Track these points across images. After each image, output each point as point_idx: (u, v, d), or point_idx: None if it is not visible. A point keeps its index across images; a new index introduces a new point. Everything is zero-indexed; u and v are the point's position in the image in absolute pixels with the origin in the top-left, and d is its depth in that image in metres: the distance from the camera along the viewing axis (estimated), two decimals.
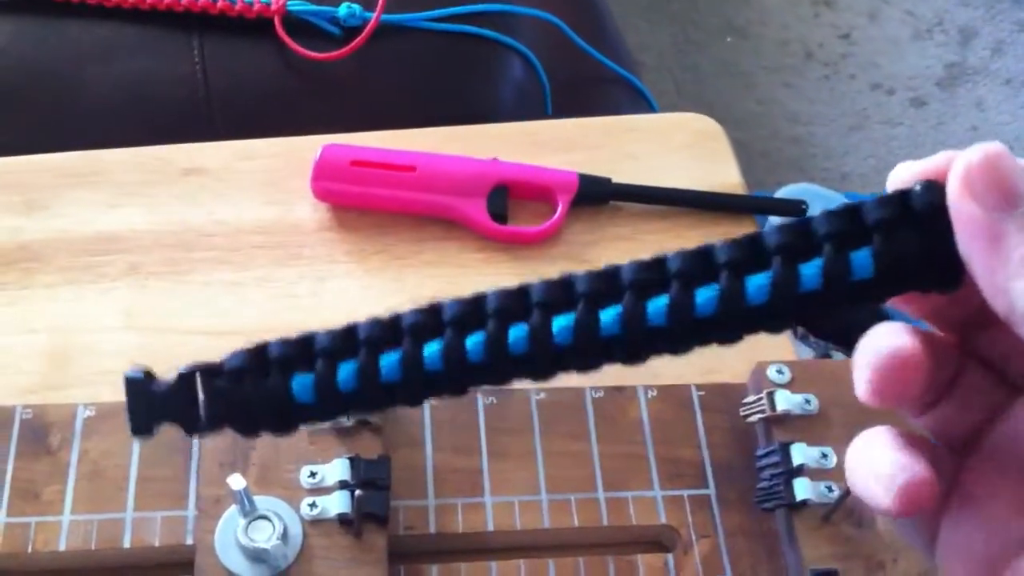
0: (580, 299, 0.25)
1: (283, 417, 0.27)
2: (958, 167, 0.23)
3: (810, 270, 0.24)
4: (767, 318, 0.25)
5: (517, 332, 0.26)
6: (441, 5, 0.70)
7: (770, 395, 0.46)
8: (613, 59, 0.81)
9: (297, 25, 0.67)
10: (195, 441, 0.45)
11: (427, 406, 0.47)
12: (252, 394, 0.27)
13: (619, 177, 0.57)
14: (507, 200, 0.56)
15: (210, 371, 0.27)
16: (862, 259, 0.24)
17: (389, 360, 0.26)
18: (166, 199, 0.56)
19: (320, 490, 0.43)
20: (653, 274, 0.25)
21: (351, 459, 0.43)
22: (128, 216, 0.55)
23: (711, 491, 0.47)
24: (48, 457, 0.45)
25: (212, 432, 0.28)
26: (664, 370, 0.51)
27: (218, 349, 0.50)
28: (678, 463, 0.47)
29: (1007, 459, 0.26)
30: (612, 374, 0.51)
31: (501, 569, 0.44)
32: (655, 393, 0.49)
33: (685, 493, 0.46)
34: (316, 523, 0.43)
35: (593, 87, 0.81)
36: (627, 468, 0.47)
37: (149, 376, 0.28)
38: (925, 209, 0.24)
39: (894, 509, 0.24)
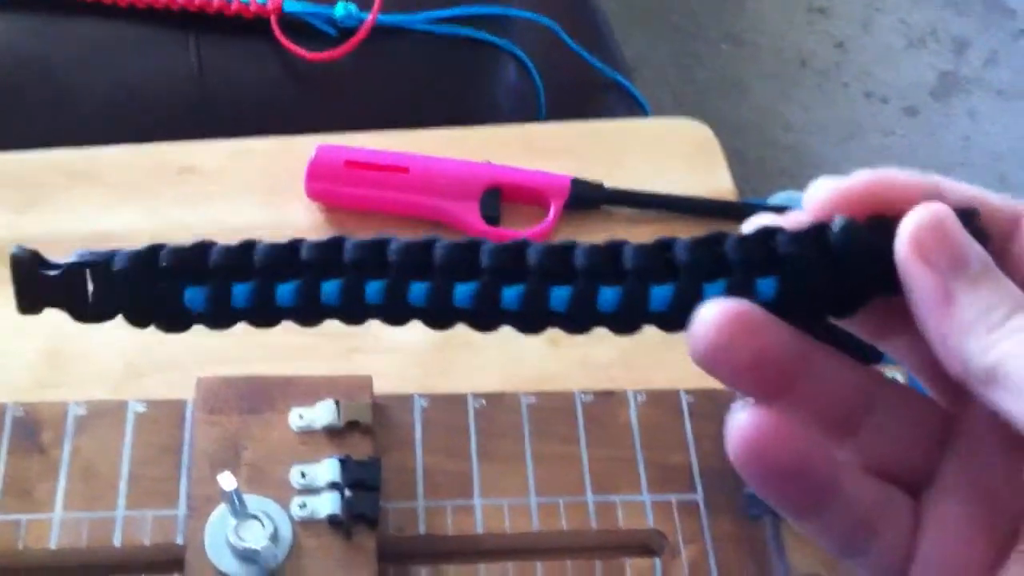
0: (485, 273, 0.26)
1: (173, 321, 0.27)
2: (906, 229, 0.23)
3: (714, 290, 0.25)
4: (665, 323, 0.25)
5: (418, 289, 0.26)
6: (437, 7, 0.70)
7: None
8: (608, 64, 0.81)
9: (293, 25, 0.67)
10: (186, 440, 0.45)
11: (418, 408, 0.48)
12: (142, 296, 0.27)
13: (611, 181, 0.57)
14: (500, 203, 0.56)
15: (99, 268, 0.27)
16: (767, 287, 0.24)
17: (284, 289, 0.27)
18: (162, 197, 0.56)
19: (310, 491, 0.43)
20: (559, 263, 0.26)
21: (342, 460, 0.44)
22: (124, 214, 0.56)
23: (699, 496, 0.47)
24: (39, 455, 0.45)
25: (102, 322, 0.27)
26: (654, 375, 0.52)
27: (212, 350, 0.51)
28: (667, 468, 0.47)
29: (966, 487, 0.25)
30: (603, 379, 0.51)
31: (490, 572, 0.44)
32: (645, 398, 0.49)
33: (673, 498, 0.47)
34: (306, 524, 0.43)
35: (587, 91, 0.81)
36: (616, 472, 0.47)
37: (37, 257, 0.27)
38: (841, 250, 0.24)
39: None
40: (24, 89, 0.68)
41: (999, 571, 0.24)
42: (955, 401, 0.26)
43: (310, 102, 0.69)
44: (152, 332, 0.51)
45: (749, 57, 1.62)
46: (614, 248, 0.26)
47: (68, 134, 0.63)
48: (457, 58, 0.71)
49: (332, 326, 0.53)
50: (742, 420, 0.24)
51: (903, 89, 1.62)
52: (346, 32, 0.67)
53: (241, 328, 0.51)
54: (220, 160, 0.58)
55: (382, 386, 0.46)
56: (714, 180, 0.60)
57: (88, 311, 0.27)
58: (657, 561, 0.45)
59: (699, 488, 0.47)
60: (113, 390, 0.50)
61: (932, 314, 0.23)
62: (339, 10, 0.67)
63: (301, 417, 0.45)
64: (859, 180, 0.25)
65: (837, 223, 0.24)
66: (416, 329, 0.52)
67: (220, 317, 0.27)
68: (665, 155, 0.61)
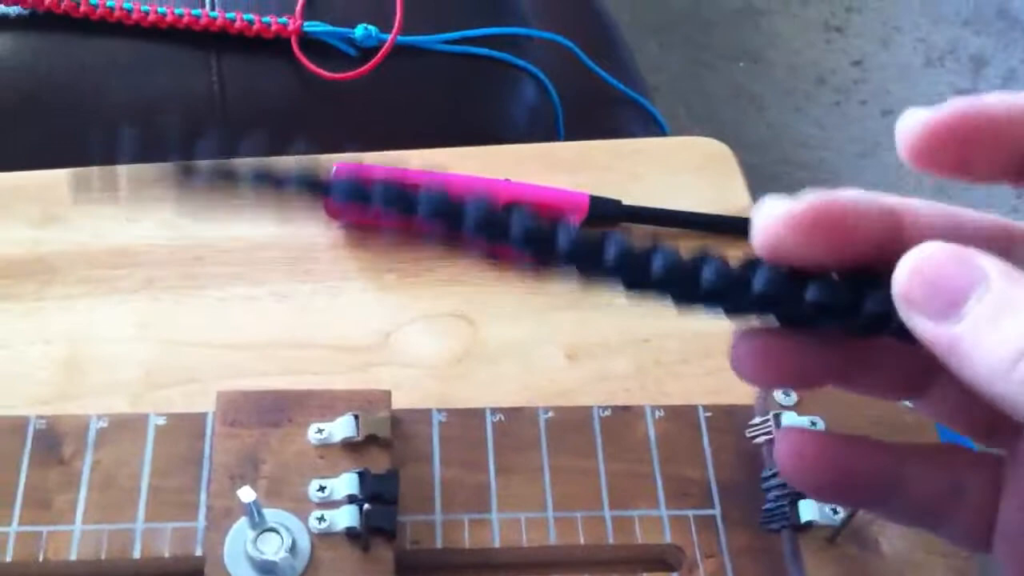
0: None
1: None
2: (896, 281, 0.23)
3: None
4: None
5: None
6: (456, 27, 0.70)
7: (776, 417, 0.47)
8: (624, 81, 0.81)
9: (314, 45, 0.68)
10: (206, 453, 0.46)
11: (436, 422, 0.48)
12: None
13: (629, 199, 0.58)
14: None
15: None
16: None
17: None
18: (180, 215, 0.57)
19: (329, 504, 0.44)
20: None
21: (360, 473, 0.44)
22: (144, 230, 0.56)
23: (716, 511, 0.47)
24: (60, 467, 0.45)
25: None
26: (672, 390, 0.52)
27: (231, 363, 0.51)
28: (684, 483, 0.47)
29: None
30: (619, 392, 0.51)
31: None
32: (663, 413, 0.49)
33: (691, 513, 0.47)
34: (324, 536, 0.43)
35: (604, 108, 0.82)
36: (633, 487, 0.47)
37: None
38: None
39: None
40: (46, 107, 0.68)
41: None
42: (1000, 441, 0.25)
43: (330, 121, 0.70)
44: (170, 346, 0.52)
45: (765, 74, 1.63)
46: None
47: (88, 154, 0.64)
48: (475, 78, 0.72)
49: (349, 340, 0.53)
50: (788, 441, 0.25)
51: (921, 107, 1.61)
52: (366, 52, 0.68)
53: (264, 341, 0.52)
54: None
55: (400, 399, 0.47)
56: (732, 197, 0.60)
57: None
58: None
59: (716, 502, 0.47)
60: (132, 401, 0.50)
61: (948, 365, 0.22)
62: (359, 31, 0.68)
63: (320, 431, 0.45)
64: (809, 205, 0.24)
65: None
66: (433, 343, 0.52)
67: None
68: (683, 172, 0.61)
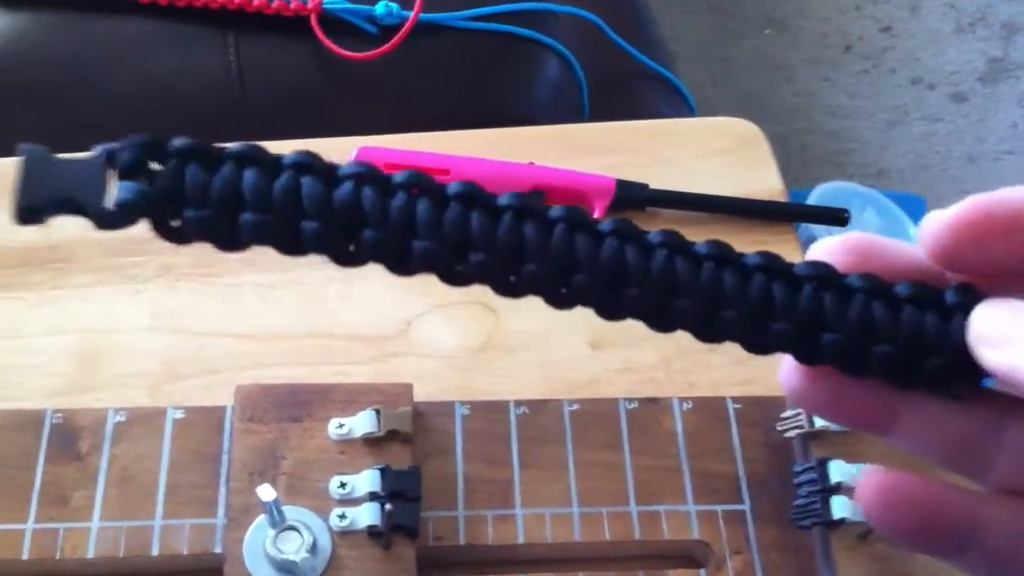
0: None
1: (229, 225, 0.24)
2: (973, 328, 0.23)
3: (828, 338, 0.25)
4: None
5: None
6: (478, 3, 0.69)
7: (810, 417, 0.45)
8: (650, 55, 0.80)
9: (333, 23, 0.66)
10: (225, 448, 0.45)
11: (459, 415, 0.47)
12: (200, 184, 0.23)
13: (656, 182, 0.56)
14: None
15: (152, 148, 0.24)
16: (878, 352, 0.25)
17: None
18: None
19: (350, 501, 0.43)
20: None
21: (381, 470, 0.43)
22: None
23: (746, 506, 0.46)
24: (77, 462, 0.44)
25: (124, 225, 0.24)
26: (699, 381, 0.51)
27: (249, 353, 0.50)
28: (713, 477, 0.46)
29: None
30: (645, 382, 0.50)
31: None
32: (690, 405, 0.48)
33: (719, 508, 0.46)
34: (345, 534, 0.42)
35: (630, 84, 0.80)
36: (660, 481, 0.46)
37: (46, 152, 0.24)
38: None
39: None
40: (60, 87, 0.67)
41: None
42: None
43: (350, 101, 0.68)
44: (186, 334, 0.51)
45: (792, 42, 1.60)
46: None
47: (102, 133, 0.63)
48: (498, 55, 0.70)
49: (368, 330, 0.52)
50: (874, 482, 0.25)
51: (951, 75, 1.59)
52: (387, 30, 0.66)
53: (279, 330, 0.51)
54: None
55: (420, 390, 0.46)
56: (762, 180, 0.58)
57: (108, 213, 0.23)
58: (702, 572, 0.44)
59: (746, 497, 0.46)
60: (151, 393, 0.49)
61: None
62: (380, 8, 0.66)
63: (340, 426, 0.44)
64: (974, 208, 0.24)
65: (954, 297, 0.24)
66: (454, 333, 0.51)
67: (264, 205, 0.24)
68: (712, 154, 0.59)
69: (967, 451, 0.25)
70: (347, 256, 0.24)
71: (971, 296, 0.24)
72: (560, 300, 0.25)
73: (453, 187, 0.24)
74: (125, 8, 0.67)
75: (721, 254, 0.24)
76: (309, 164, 0.24)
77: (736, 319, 0.24)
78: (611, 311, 0.25)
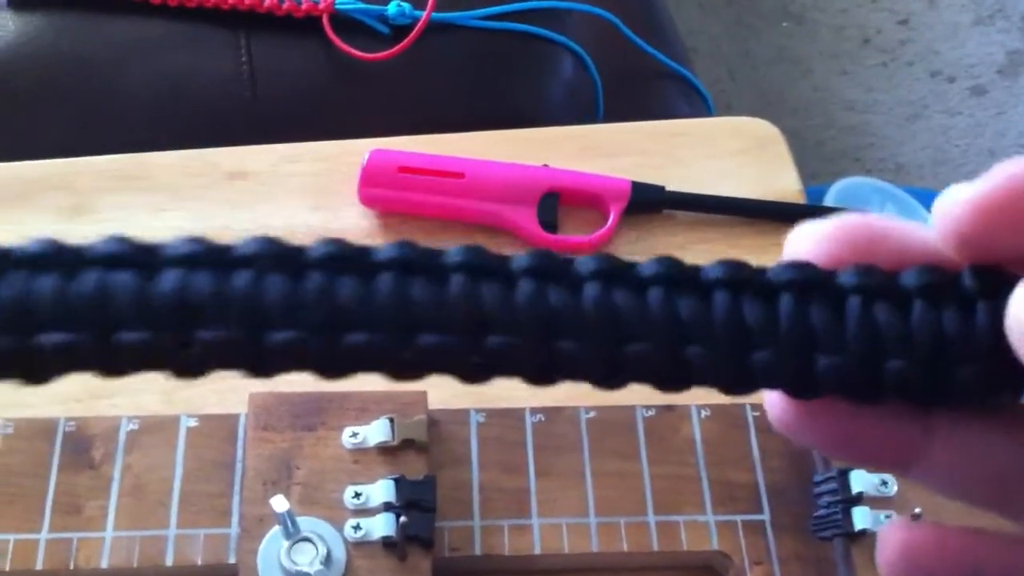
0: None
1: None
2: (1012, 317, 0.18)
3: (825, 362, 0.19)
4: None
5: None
6: (491, 3, 0.68)
7: None
8: (666, 53, 0.79)
9: (345, 24, 0.66)
10: (238, 457, 0.44)
11: (474, 423, 0.46)
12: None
13: (672, 183, 0.55)
14: (557, 208, 0.54)
15: None
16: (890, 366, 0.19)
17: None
18: (212, 203, 0.55)
19: (364, 511, 0.42)
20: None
21: (396, 480, 0.43)
22: (173, 219, 0.55)
23: (766, 516, 0.45)
24: (90, 471, 0.44)
25: None
26: None
27: None
28: (732, 486, 0.46)
29: None
30: (664, 394, 0.50)
31: None
32: (708, 413, 0.47)
33: (739, 518, 0.45)
34: (360, 545, 0.42)
35: (646, 83, 0.79)
36: (679, 491, 0.45)
37: None
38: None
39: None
40: (71, 88, 0.67)
41: None
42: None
43: (362, 101, 0.68)
44: None
45: (809, 35, 1.59)
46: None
47: (115, 134, 0.62)
48: (512, 54, 0.70)
49: None
50: (898, 538, 0.21)
51: (970, 68, 1.57)
52: (399, 30, 0.66)
53: None
54: (271, 164, 0.57)
55: (433, 396, 0.45)
56: (780, 180, 0.58)
57: None
58: None
59: (765, 507, 0.45)
60: (165, 399, 0.49)
61: None
62: (392, 8, 0.66)
63: (354, 435, 0.44)
64: (1007, 180, 0.19)
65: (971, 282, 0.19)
66: None
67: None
68: (730, 155, 0.59)
69: (1009, 485, 0.20)
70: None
71: (994, 279, 0.19)
72: (473, 374, 0.19)
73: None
74: (136, 9, 0.66)
75: (669, 274, 0.19)
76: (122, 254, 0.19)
77: (705, 357, 0.19)
78: (538, 375, 0.19)
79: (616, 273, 0.19)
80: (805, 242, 0.21)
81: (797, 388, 0.20)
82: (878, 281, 0.19)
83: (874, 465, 0.22)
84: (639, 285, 0.19)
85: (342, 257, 0.19)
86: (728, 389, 0.19)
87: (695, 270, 0.20)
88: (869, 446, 0.21)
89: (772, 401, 0.21)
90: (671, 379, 0.19)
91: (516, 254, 0.20)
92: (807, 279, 0.19)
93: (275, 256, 0.19)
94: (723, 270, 0.19)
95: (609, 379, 0.19)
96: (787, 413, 0.21)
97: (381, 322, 0.19)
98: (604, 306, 0.19)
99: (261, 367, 0.19)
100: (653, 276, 0.19)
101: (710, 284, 0.19)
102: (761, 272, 0.20)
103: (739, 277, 0.19)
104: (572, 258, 0.20)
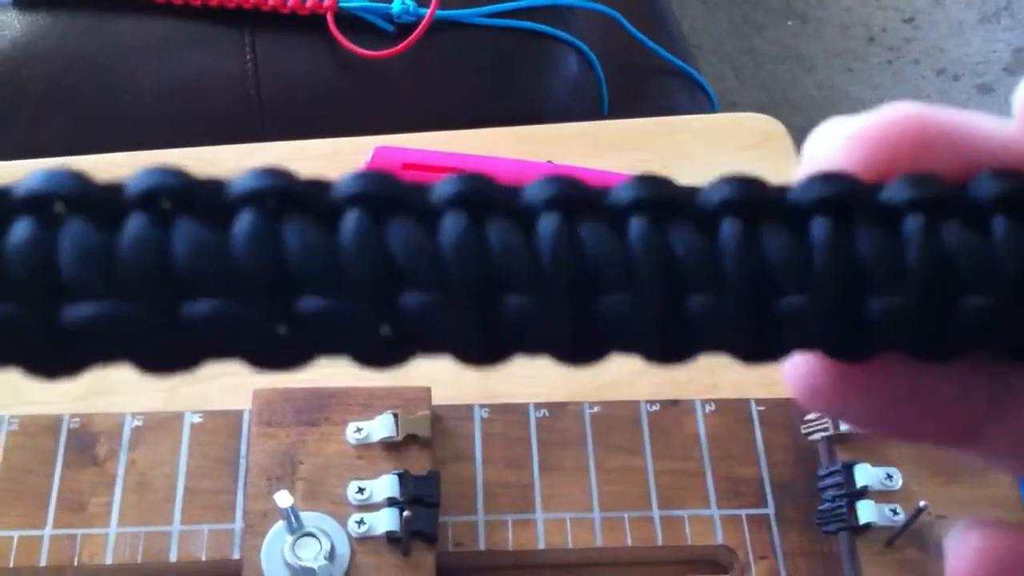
0: None
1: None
2: None
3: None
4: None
5: None
6: (495, 0, 0.68)
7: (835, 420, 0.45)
8: (670, 49, 0.79)
9: (349, 22, 0.66)
10: (242, 452, 0.44)
11: (478, 419, 0.46)
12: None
13: (678, 179, 0.55)
14: None
15: None
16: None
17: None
18: None
19: (368, 507, 0.42)
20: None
21: (400, 475, 0.43)
22: None
23: (770, 511, 0.45)
24: (95, 468, 0.44)
25: None
26: (722, 382, 0.50)
27: None
28: (736, 481, 0.46)
29: None
30: (666, 382, 0.50)
31: None
32: (713, 407, 0.47)
33: (743, 513, 0.45)
34: (364, 540, 0.42)
35: (650, 80, 0.79)
36: (683, 485, 0.45)
37: None
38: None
39: None
40: (76, 87, 0.67)
41: None
42: None
43: (366, 99, 0.68)
44: None
45: (814, 33, 1.59)
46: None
47: (120, 133, 0.62)
48: (516, 51, 0.70)
49: None
50: (968, 550, 0.16)
51: (976, 66, 1.57)
52: (403, 28, 0.66)
53: None
54: (276, 163, 0.57)
55: (439, 393, 0.45)
56: (785, 177, 0.57)
57: None
58: None
59: (770, 501, 0.45)
60: (168, 396, 0.49)
61: None
62: (396, 6, 0.66)
63: (358, 430, 0.44)
64: (888, 127, 0.15)
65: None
66: None
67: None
68: (735, 151, 0.59)
69: None
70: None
71: None
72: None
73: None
74: (141, 8, 0.66)
75: (656, 199, 0.14)
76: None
77: (709, 308, 0.14)
78: (482, 355, 0.14)
79: (575, 203, 0.14)
80: (834, 146, 0.15)
81: (839, 345, 0.14)
82: (944, 193, 0.14)
83: (930, 441, 0.17)
84: (611, 217, 0.14)
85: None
86: (748, 354, 0.15)
87: (692, 192, 0.15)
88: (931, 417, 0.16)
89: (798, 369, 0.16)
90: (666, 345, 0.15)
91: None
92: (846, 195, 0.14)
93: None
94: (728, 189, 0.15)
95: (586, 350, 0.15)
96: (821, 380, 0.16)
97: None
98: (558, 249, 0.14)
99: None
100: (629, 203, 0.14)
101: (712, 208, 0.15)
102: (780, 192, 0.15)
103: (751, 196, 0.15)
104: (508, 186, 0.15)
